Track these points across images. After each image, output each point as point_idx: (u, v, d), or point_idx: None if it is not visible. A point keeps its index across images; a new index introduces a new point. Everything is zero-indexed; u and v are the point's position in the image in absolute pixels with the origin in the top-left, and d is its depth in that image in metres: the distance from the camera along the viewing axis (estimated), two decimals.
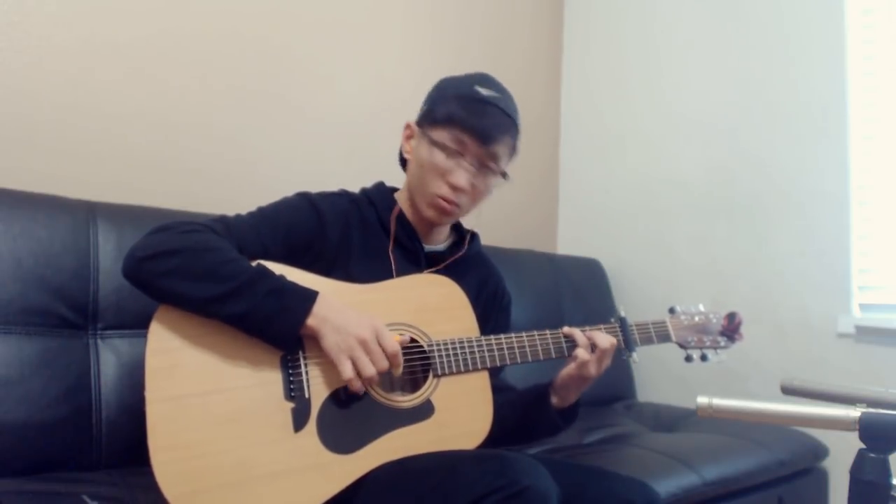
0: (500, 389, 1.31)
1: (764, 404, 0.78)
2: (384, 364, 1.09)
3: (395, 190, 1.37)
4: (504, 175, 1.27)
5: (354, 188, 1.37)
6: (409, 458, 1.09)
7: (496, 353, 1.21)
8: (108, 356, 1.38)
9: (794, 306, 2.17)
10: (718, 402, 0.79)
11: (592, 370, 1.21)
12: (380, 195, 1.33)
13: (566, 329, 1.25)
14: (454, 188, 1.23)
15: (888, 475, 0.70)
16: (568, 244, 2.78)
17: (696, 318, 1.35)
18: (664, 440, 1.84)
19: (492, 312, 1.38)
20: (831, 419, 0.74)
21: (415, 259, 1.31)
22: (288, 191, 1.33)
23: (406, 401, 1.14)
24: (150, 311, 1.10)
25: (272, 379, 1.09)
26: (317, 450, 1.06)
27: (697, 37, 2.47)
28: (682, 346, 1.34)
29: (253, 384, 1.07)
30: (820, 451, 1.95)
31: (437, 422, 1.14)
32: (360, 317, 1.10)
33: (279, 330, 1.07)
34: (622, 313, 1.30)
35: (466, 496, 0.93)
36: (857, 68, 2.12)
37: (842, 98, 2.11)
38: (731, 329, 1.35)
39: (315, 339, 1.10)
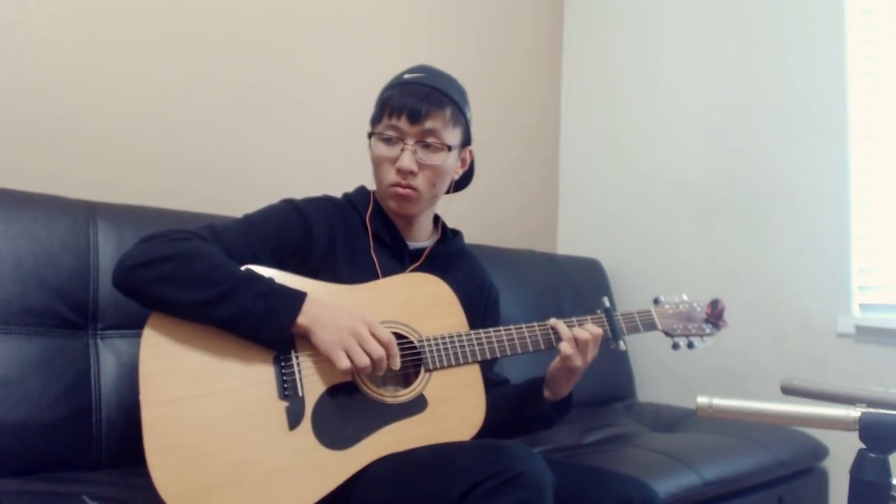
0: (494, 383, 1.33)
1: (764, 404, 0.78)
2: (380, 352, 1.10)
3: (374, 192, 1.39)
4: (449, 148, 1.28)
5: (354, 188, 1.39)
6: (404, 451, 1.10)
7: (486, 345, 1.23)
8: (108, 356, 1.38)
9: (794, 306, 2.17)
10: (718, 402, 0.79)
11: (578, 362, 1.22)
12: (360, 197, 1.36)
13: (552, 321, 1.27)
14: (400, 171, 1.26)
15: (888, 475, 0.70)
16: (568, 244, 2.78)
17: (681, 307, 1.39)
18: (664, 440, 1.84)
19: (479, 306, 1.40)
20: (831, 419, 0.74)
21: (398, 256, 1.33)
22: (288, 190, 1.34)
23: (399, 396, 1.15)
24: (149, 311, 1.10)
25: (266, 379, 1.10)
26: (312, 447, 1.07)
27: (697, 37, 2.47)
28: (668, 333, 1.37)
29: (247, 385, 1.08)
30: (820, 451, 1.95)
31: (431, 415, 1.15)
32: (351, 312, 1.12)
33: (270, 331, 1.09)
34: (607, 304, 1.32)
35: (462, 484, 0.94)
36: (857, 68, 2.12)
37: (842, 98, 2.11)
38: (714, 316, 1.38)
39: (307, 337, 1.11)
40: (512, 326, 1.26)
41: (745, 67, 2.33)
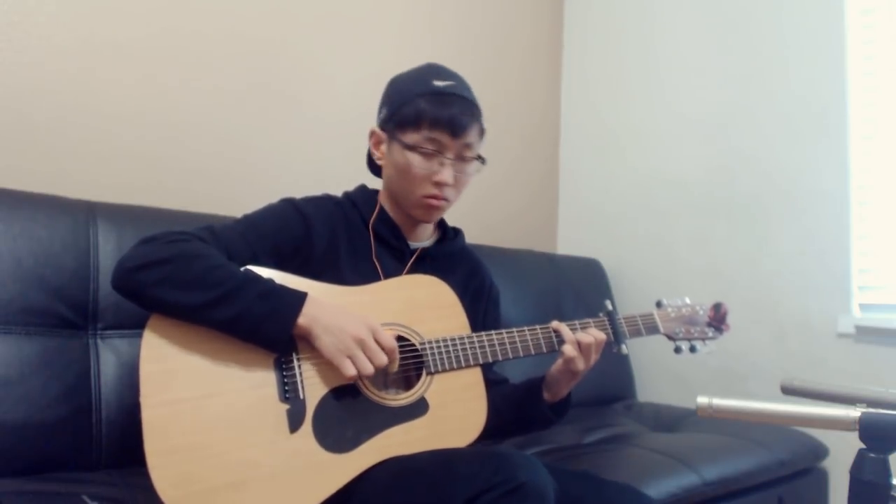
0: (494, 383, 1.33)
1: (764, 404, 0.78)
2: (383, 360, 1.09)
3: (377, 192, 1.38)
4: (480, 158, 1.28)
5: (353, 187, 1.38)
6: (406, 455, 1.09)
7: (487, 349, 1.22)
8: (108, 356, 1.38)
9: (794, 306, 2.17)
10: (718, 402, 0.79)
11: (580, 365, 1.22)
12: (363, 197, 1.34)
13: (555, 324, 1.26)
14: (439, 185, 1.25)
15: (888, 475, 0.70)
16: (568, 244, 2.78)
17: (683, 310, 1.38)
18: (664, 440, 1.84)
19: (481, 305, 1.40)
20: (831, 419, 0.74)
21: (400, 257, 1.32)
22: (288, 190, 1.34)
23: (400, 399, 1.15)
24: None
25: (266, 381, 1.09)
26: (313, 450, 1.07)
27: (697, 37, 2.47)
28: (670, 337, 1.36)
29: (247, 387, 1.08)
30: (820, 451, 1.95)
31: (432, 418, 1.15)
32: (353, 316, 1.11)
33: (271, 332, 1.08)
34: (610, 307, 1.32)
35: (464, 493, 0.93)
36: (857, 68, 2.12)
37: (842, 98, 2.11)
38: (717, 319, 1.37)
39: (308, 340, 1.10)
40: (514, 329, 1.25)
41: (745, 67, 2.33)
